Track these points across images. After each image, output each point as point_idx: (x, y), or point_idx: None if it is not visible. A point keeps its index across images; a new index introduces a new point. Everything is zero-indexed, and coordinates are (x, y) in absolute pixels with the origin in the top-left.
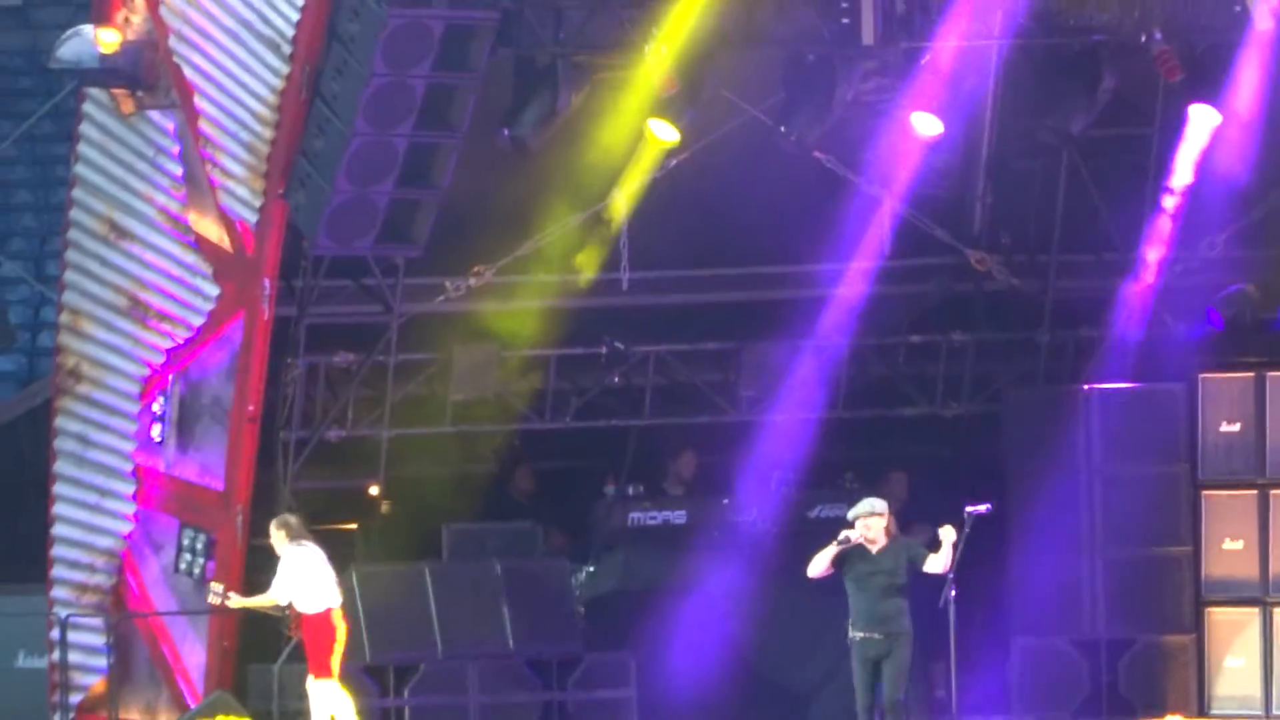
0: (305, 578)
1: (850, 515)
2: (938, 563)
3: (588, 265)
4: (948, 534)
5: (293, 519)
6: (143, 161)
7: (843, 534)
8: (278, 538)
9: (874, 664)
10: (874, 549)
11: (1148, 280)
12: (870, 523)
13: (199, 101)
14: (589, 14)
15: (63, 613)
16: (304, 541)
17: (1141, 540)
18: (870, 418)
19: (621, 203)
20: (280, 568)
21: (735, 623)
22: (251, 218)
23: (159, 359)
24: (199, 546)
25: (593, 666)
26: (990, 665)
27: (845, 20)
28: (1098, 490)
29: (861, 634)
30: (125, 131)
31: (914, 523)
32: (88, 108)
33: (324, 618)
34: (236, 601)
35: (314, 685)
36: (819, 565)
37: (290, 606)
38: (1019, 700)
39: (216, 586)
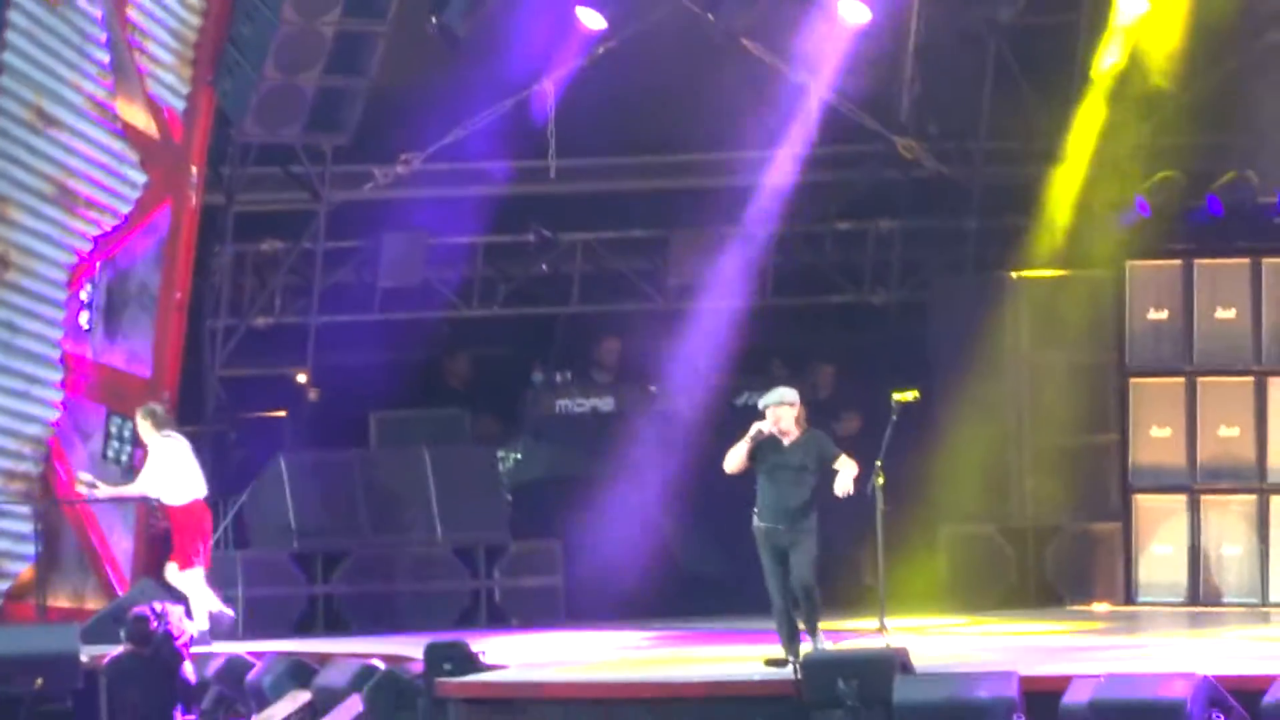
0: (172, 469)
1: (761, 404)
2: (839, 485)
3: (515, 152)
4: (847, 465)
5: (159, 409)
6: (70, 49)
7: (754, 427)
8: (144, 428)
9: (781, 552)
10: (786, 440)
11: (1073, 168)
12: (781, 413)
13: None
14: None
15: None
16: (170, 432)
17: (1069, 428)
18: (798, 305)
19: (549, 89)
20: (148, 459)
21: (661, 510)
22: (179, 105)
23: (87, 246)
24: (126, 434)
25: (520, 554)
26: (918, 553)
27: None
28: (1025, 378)
29: (767, 524)
30: (53, 19)
31: (842, 411)
32: None
33: (190, 509)
34: (104, 492)
35: (180, 576)
36: (734, 461)
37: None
38: (947, 589)
39: (84, 476)
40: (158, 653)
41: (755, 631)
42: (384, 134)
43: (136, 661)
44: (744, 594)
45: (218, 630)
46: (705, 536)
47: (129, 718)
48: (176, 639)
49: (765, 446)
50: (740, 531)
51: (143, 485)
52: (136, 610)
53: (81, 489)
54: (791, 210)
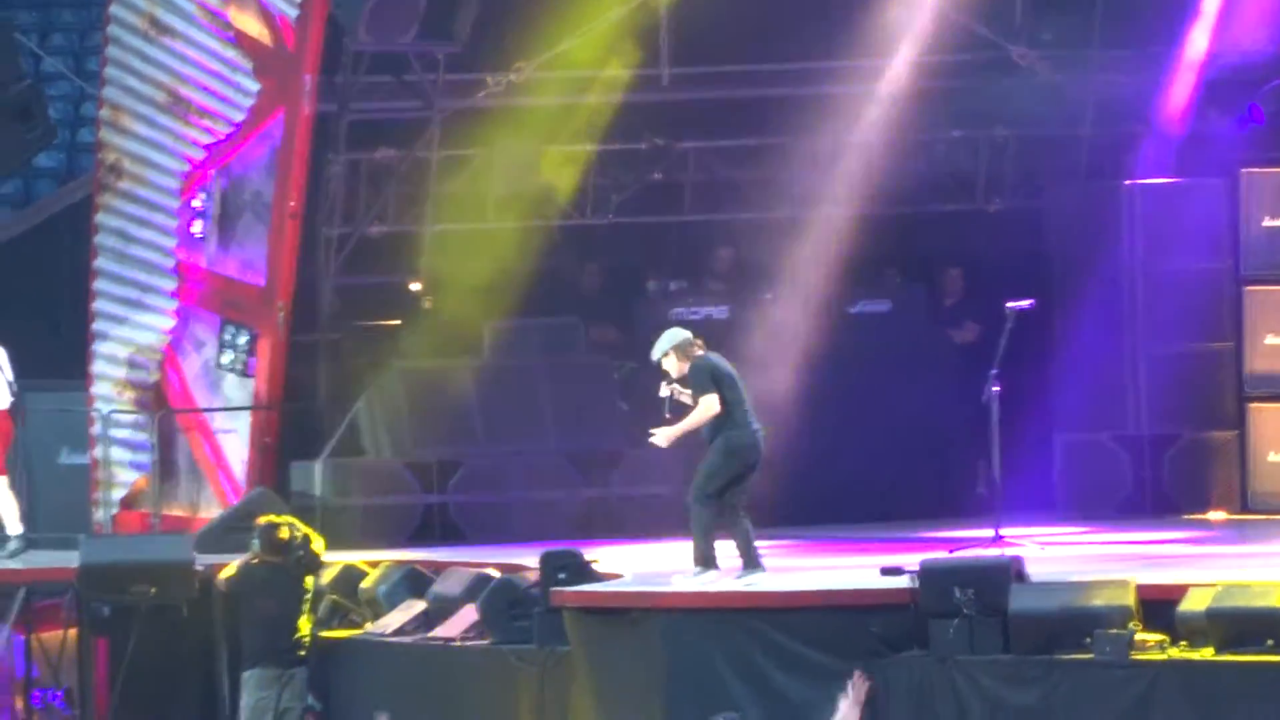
0: None
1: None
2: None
3: (628, 60)
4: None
5: None
6: None
7: (663, 391)
8: None
9: None
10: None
11: (1190, 75)
12: (665, 366)
13: None
14: None
15: (104, 409)
16: None
17: (1184, 336)
18: (911, 214)
19: None
20: None
21: (775, 417)
22: (292, 12)
23: (200, 155)
24: (241, 342)
25: (636, 462)
26: (1033, 462)
27: None
28: (1140, 286)
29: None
30: None
31: (964, 319)
32: None
33: None
34: None
35: None
36: (684, 434)
37: None
38: (1062, 497)
39: None
40: (290, 562)
41: (870, 540)
42: (497, 41)
43: (270, 570)
44: (858, 502)
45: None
46: (817, 444)
47: (258, 626)
48: (306, 549)
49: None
50: (852, 439)
51: None
52: (267, 521)
53: None
54: (905, 118)
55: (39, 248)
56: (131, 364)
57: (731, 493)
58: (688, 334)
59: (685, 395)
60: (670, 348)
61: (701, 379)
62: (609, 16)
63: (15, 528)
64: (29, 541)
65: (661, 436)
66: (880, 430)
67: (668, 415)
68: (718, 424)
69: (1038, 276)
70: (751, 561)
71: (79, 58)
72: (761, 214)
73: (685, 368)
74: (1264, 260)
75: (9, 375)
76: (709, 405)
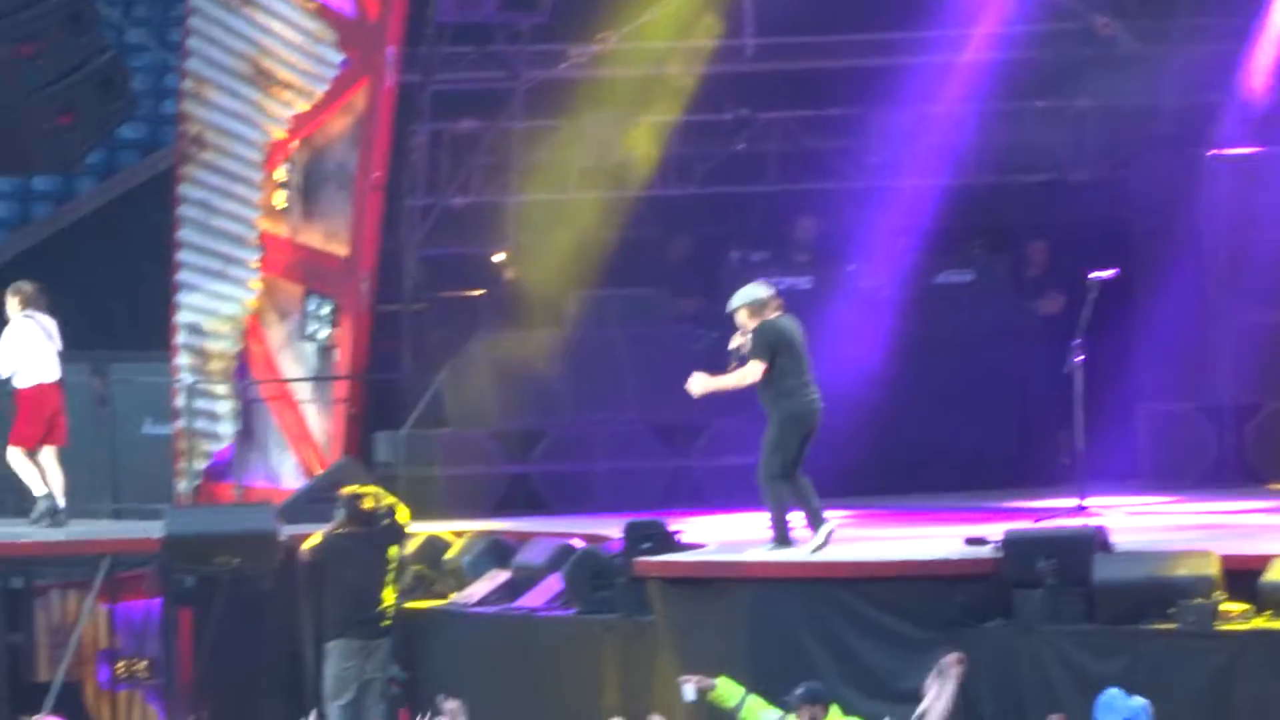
0: (24, 350)
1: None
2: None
3: (711, 31)
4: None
5: (29, 287)
6: None
7: (733, 343)
8: (11, 304)
9: None
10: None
11: (1273, 44)
12: (738, 320)
13: None
14: None
15: (188, 380)
16: (33, 313)
17: (1267, 305)
18: (994, 184)
19: None
20: (3, 338)
21: (861, 387)
22: None
23: (283, 126)
24: (324, 313)
25: (720, 432)
26: (1116, 432)
27: None
28: (1223, 256)
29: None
30: None
31: (1048, 290)
32: None
33: (35, 392)
34: None
35: (18, 458)
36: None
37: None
38: (1145, 467)
39: None
40: (375, 532)
41: (954, 510)
42: (581, 12)
43: (355, 540)
44: (942, 472)
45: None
46: (901, 415)
47: (342, 597)
48: (391, 519)
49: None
50: (935, 410)
51: None
52: (351, 491)
53: None
54: (989, 88)
55: (122, 219)
56: (215, 335)
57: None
58: (768, 294)
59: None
60: (745, 303)
61: (759, 343)
62: None
63: (59, 497)
64: (58, 515)
65: (697, 383)
66: (964, 401)
67: (733, 365)
68: (772, 396)
69: (1121, 247)
70: (817, 518)
71: (162, 29)
72: (845, 184)
73: (754, 325)
74: None
75: (58, 345)
76: (749, 373)
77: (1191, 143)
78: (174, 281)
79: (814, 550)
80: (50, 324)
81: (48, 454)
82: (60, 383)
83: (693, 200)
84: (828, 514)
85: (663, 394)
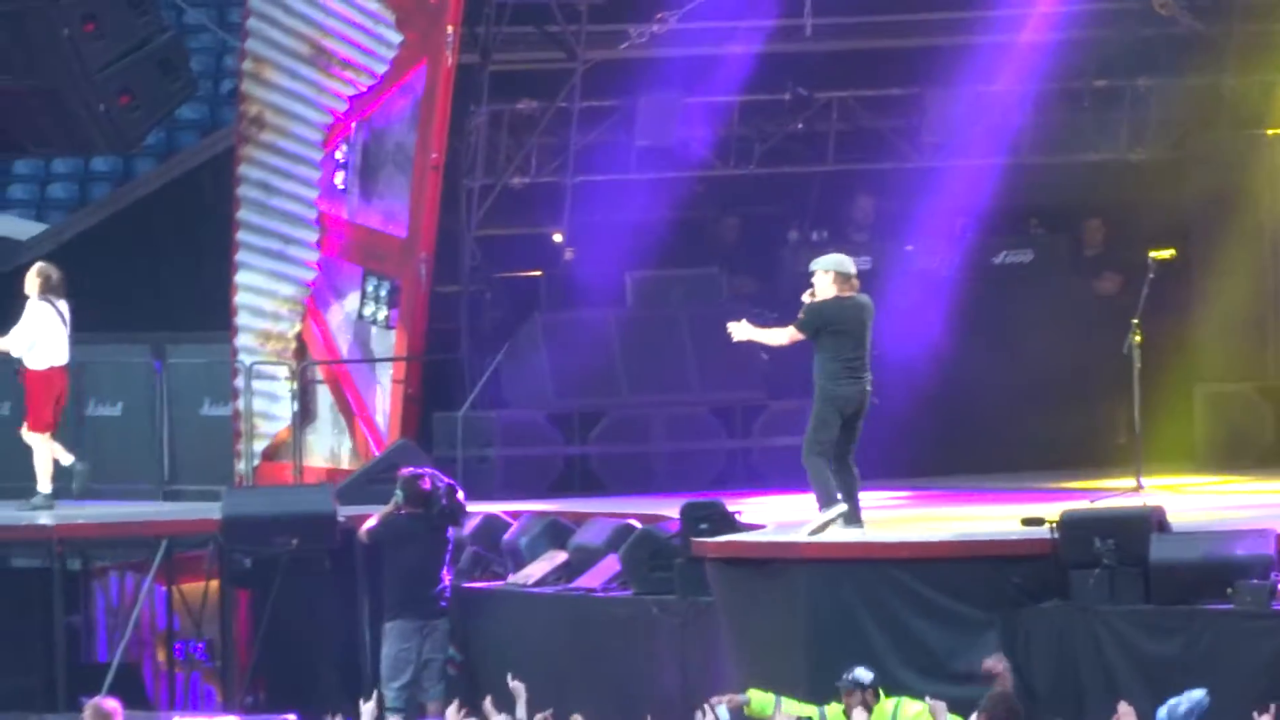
0: (38, 334)
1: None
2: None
3: (770, 10)
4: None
5: (54, 272)
6: None
7: (805, 297)
8: (32, 285)
9: None
10: None
11: None
12: (814, 281)
13: None
14: None
15: (247, 360)
16: (52, 298)
17: None
18: (1054, 164)
19: None
20: (22, 318)
21: (917, 366)
22: None
23: (342, 106)
24: (383, 294)
25: (778, 413)
26: (1174, 412)
27: None
28: None
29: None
30: None
31: (1105, 269)
32: None
33: (47, 375)
34: None
35: (30, 436)
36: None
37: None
38: (1203, 447)
39: None
40: (433, 513)
41: (1011, 490)
42: None
43: (413, 521)
44: (999, 452)
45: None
46: (958, 394)
47: (402, 577)
48: (450, 500)
49: None
50: (993, 389)
51: (9, 343)
52: (409, 471)
53: None
54: (1048, 68)
55: (182, 199)
56: (274, 315)
57: (842, 443)
58: (850, 270)
59: None
60: (825, 268)
61: (805, 319)
62: None
63: (45, 486)
64: (52, 500)
65: (740, 329)
66: (1022, 381)
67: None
68: (816, 375)
69: (1179, 227)
70: (852, 517)
71: (221, 9)
72: (903, 164)
73: (823, 293)
74: None
75: (69, 330)
76: (784, 333)
77: (1250, 122)
78: (233, 262)
79: (810, 533)
80: (64, 309)
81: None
82: (67, 368)
83: (751, 180)
84: (883, 494)
85: (721, 375)
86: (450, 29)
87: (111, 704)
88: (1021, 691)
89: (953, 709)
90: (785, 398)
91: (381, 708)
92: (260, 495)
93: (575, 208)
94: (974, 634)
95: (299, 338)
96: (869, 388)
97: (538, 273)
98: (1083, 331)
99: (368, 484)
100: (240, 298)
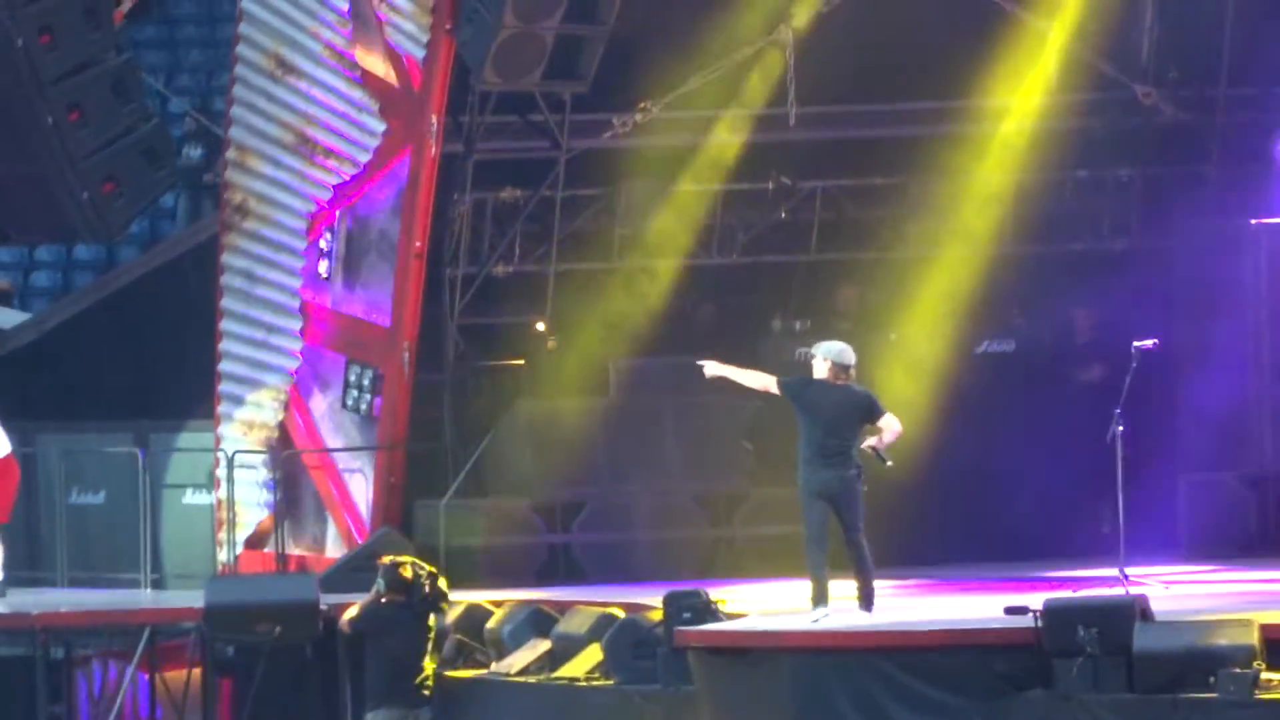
0: None
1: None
2: None
3: (754, 100)
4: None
5: None
6: None
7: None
8: None
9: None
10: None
11: None
12: (814, 366)
13: None
14: None
15: (230, 449)
16: None
17: None
18: (1037, 253)
19: (788, 37)
20: None
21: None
22: (419, 53)
23: (326, 195)
24: (366, 382)
25: (760, 502)
26: (1157, 502)
27: None
28: (1266, 325)
29: None
30: None
31: (1095, 358)
32: None
33: (6, 463)
34: None
35: None
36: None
37: None
38: (1186, 537)
39: None
40: (415, 600)
41: (994, 579)
42: (623, 82)
43: (396, 610)
44: (983, 541)
45: None
46: (942, 483)
47: (385, 665)
48: (431, 587)
49: None
50: (977, 478)
51: None
52: (390, 560)
53: None
54: (1031, 158)
55: (165, 287)
56: (257, 404)
57: (843, 528)
58: (847, 360)
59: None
60: (824, 355)
61: (794, 379)
62: (735, 57)
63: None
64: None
65: (710, 366)
66: (1005, 469)
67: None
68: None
69: (1163, 315)
70: (862, 600)
71: (205, 98)
72: (887, 253)
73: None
74: None
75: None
76: (760, 378)
77: (1235, 212)
78: (217, 350)
79: (813, 621)
80: None
81: None
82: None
83: (735, 269)
84: (885, 585)
85: (704, 463)
86: (434, 118)
87: None
88: None
89: None
90: (769, 486)
91: None
92: (243, 583)
93: (558, 296)
94: None
95: (282, 426)
96: (849, 473)
97: (520, 361)
98: (1066, 420)
99: (350, 572)
100: (223, 386)
